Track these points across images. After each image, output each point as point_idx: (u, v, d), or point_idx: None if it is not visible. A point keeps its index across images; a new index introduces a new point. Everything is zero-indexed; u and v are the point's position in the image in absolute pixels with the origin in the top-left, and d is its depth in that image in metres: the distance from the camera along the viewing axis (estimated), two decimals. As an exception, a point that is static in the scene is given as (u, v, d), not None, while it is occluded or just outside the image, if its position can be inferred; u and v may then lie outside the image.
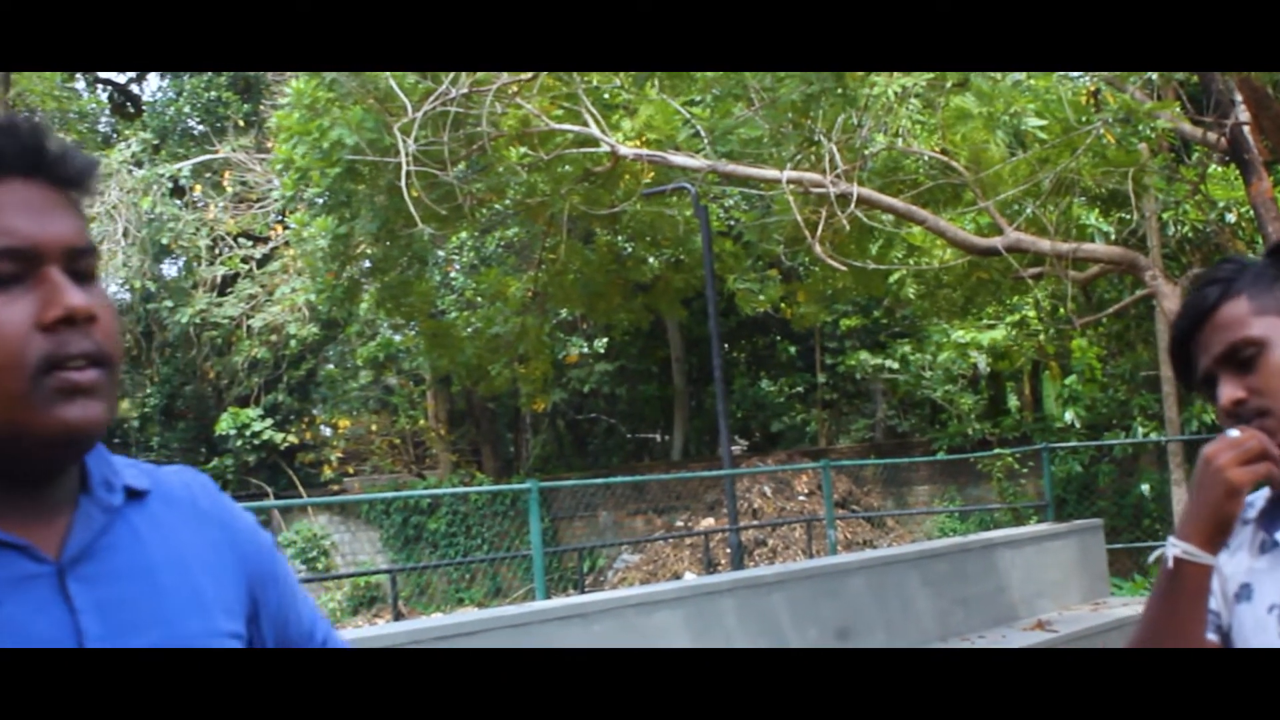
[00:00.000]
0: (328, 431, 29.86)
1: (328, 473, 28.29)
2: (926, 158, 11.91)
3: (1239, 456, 1.83)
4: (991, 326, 18.97)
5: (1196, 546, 1.86)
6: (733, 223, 18.59)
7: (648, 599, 8.35)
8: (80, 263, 1.42)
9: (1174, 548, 1.87)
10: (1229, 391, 1.92)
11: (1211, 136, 10.57)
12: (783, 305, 18.74)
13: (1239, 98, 10.31)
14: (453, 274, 23.70)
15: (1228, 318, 1.94)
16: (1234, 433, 1.87)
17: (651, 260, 18.37)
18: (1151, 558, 1.99)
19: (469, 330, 17.65)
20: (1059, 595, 11.98)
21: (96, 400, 1.40)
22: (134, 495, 1.51)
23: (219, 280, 26.56)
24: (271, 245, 26.25)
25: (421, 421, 28.59)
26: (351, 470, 28.80)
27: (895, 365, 23.56)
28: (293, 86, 12.88)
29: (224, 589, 1.54)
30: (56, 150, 1.42)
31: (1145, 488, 18.63)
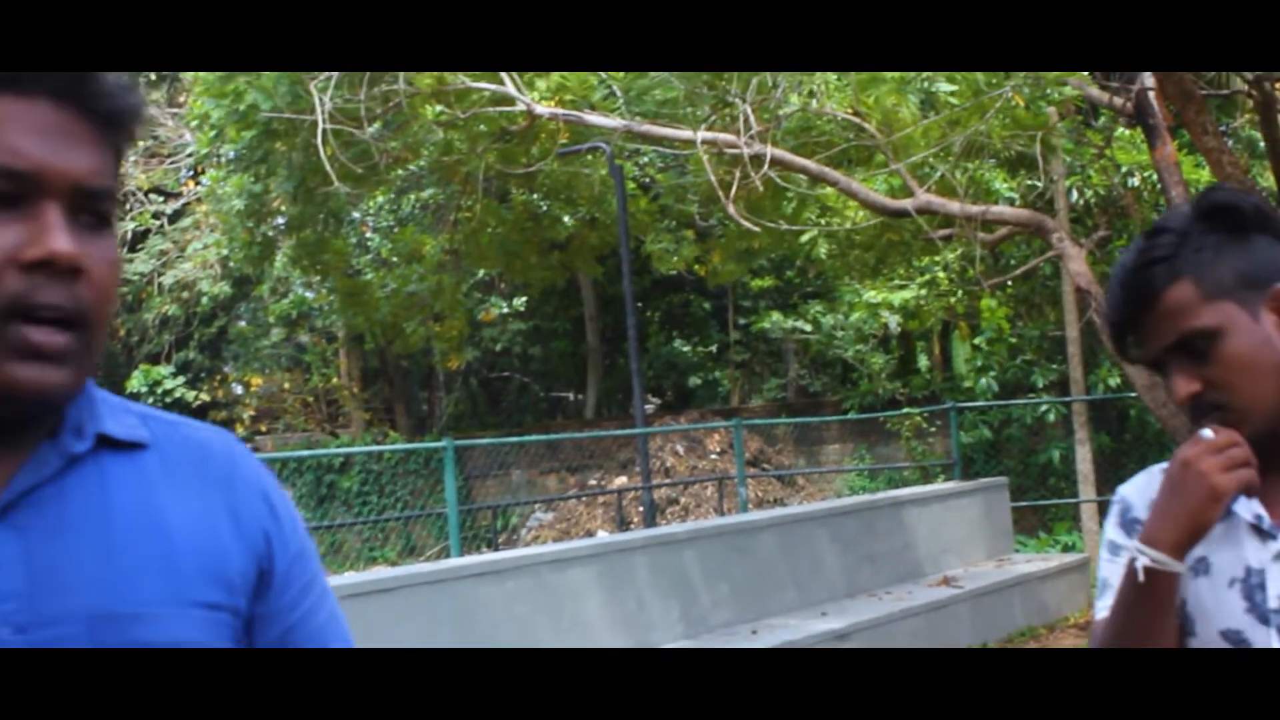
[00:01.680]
0: (240, 389, 29.65)
1: (240, 431, 28.08)
2: (839, 119, 12.02)
3: (1223, 463, 1.78)
4: (902, 287, 19.17)
5: (1168, 554, 1.80)
6: (648, 182, 18.64)
7: (562, 556, 8.45)
8: (88, 205, 1.30)
9: (1144, 557, 1.81)
10: (1184, 385, 1.87)
11: (1118, 101, 10.74)
12: (697, 265, 18.84)
13: (1144, 64, 10.51)
14: (368, 234, 23.59)
15: (1175, 304, 1.87)
16: (1208, 434, 1.81)
17: (567, 219, 18.39)
18: (1112, 526, 1.93)
19: (385, 289, 17.60)
20: (965, 552, 12.20)
21: (59, 366, 1.27)
22: (116, 445, 1.37)
23: (129, 236, 26.23)
24: (183, 201, 25.95)
25: (334, 379, 28.47)
26: (264, 428, 28.64)
27: (807, 325, 23.76)
28: (206, 47, 12.73)
29: (213, 557, 1.39)
30: (100, 79, 1.30)
31: (1055, 453, 18.94)
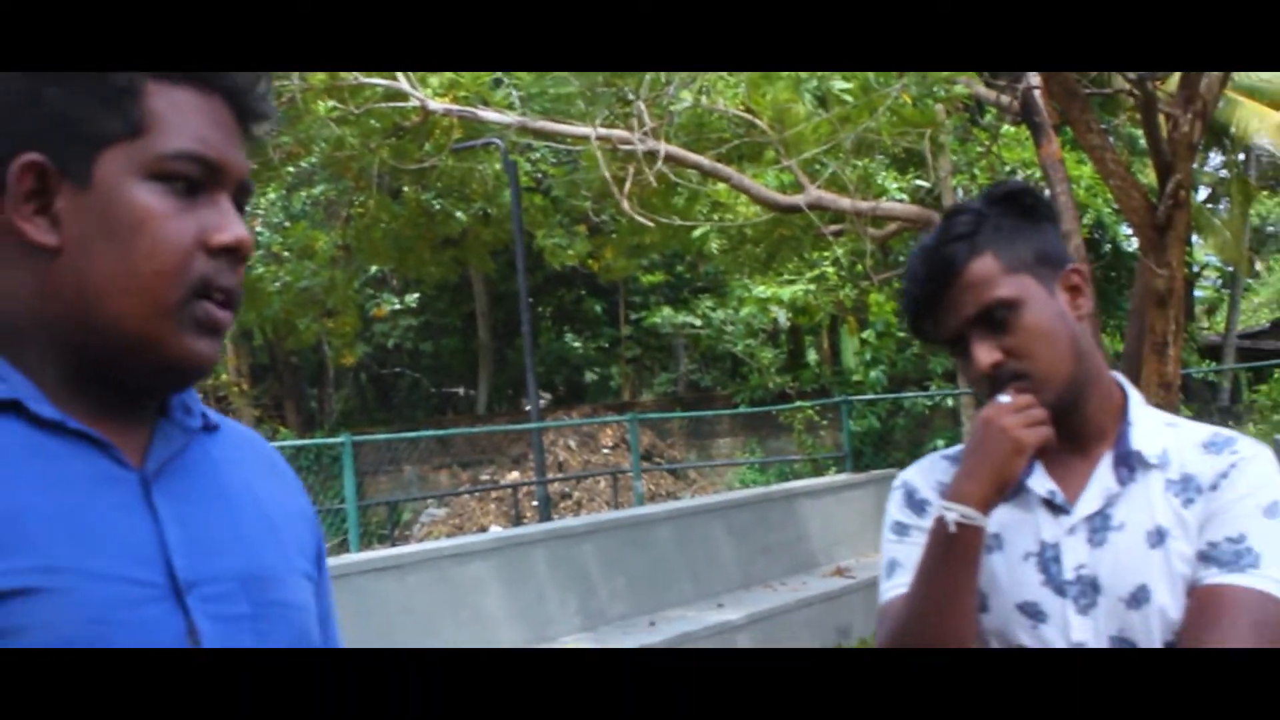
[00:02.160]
0: (126, 386, 29.22)
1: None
2: (731, 116, 12.14)
3: (1023, 420, 1.86)
4: (791, 282, 19.37)
5: (975, 509, 1.85)
6: (540, 178, 18.68)
7: (461, 550, 8.48)
8: (242, 200, 1.38)
9: (951, 512, 1.86)
10: (985, 354, 1.92)
11: (1004, 100, 10.96)
12: (589, 260, 18.93)
13: (1030, 63, 10.73)
14: (259, 229, 23.37)
15: (977, 277, 1.93)
16: (1005, 398, 1.88)
17: (460, 215, 18.38)
18: (898, 507, 1.96)
19: (276, 284, 17.47)
20: (857, 543, 12.38)
21: (219, 341, 1.35)
22: (209, 427, 1.44)
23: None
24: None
25: (223, 376, 28.14)
26: (151, 426, 28.27)
27: (698, 320, 23.91)
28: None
29: (298, 532, 1.48)
30: (259, 82, 1.37)
31: (940, 443, 19.24)
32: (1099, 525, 1.93)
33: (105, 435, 1.29)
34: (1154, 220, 8.10)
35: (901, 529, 2.07)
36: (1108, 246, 21.97)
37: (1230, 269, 29.95)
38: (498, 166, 16.40)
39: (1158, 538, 1.89)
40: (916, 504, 2.08)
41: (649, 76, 11.07)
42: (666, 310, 24.53)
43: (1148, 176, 15.42)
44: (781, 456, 21.20)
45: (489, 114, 12.13)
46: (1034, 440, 1.86)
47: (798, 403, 20.30)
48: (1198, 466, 1.92)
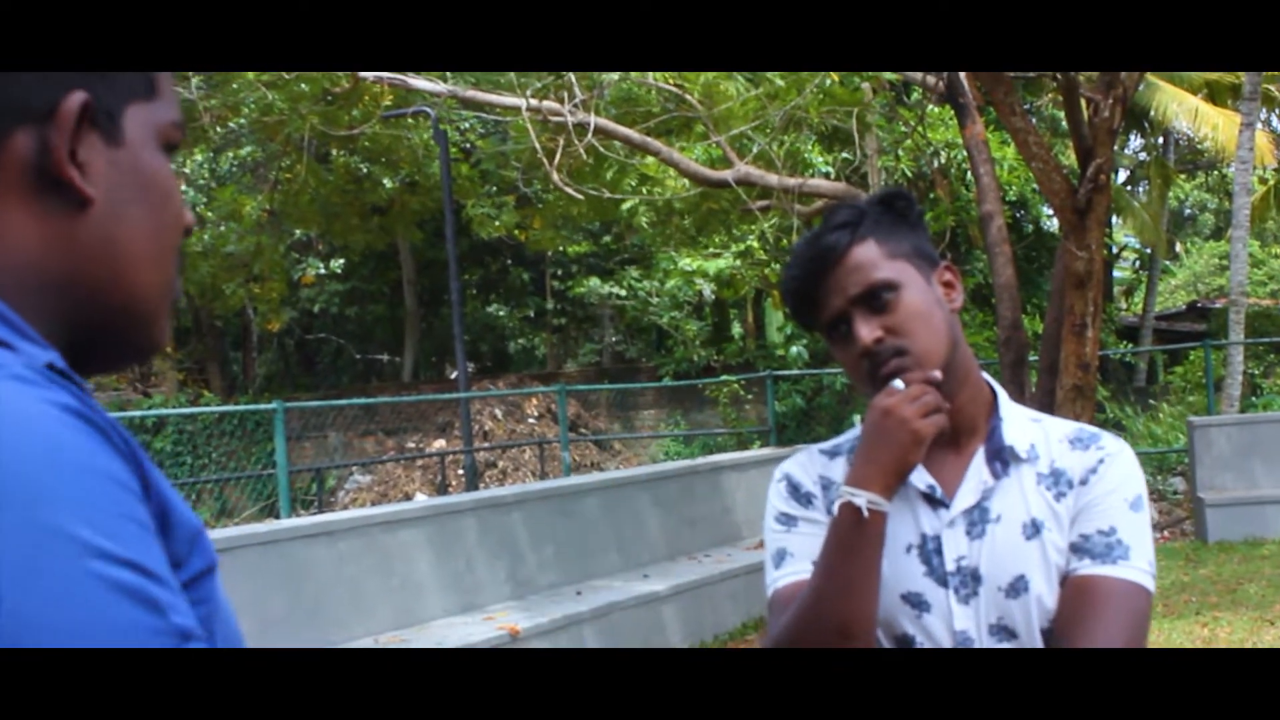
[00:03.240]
0: (46, 348, 28.91)
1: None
2: (661, 90, 12.22)
3: (920, 409, 1.91)
4: (717, 255, 19.49)
5: (880, 495, 1.91)
6: (469, 148, 18.67)
7: (391, 518, 8.54)
8: None
9: (859, 498, 1.90)
10: (868, 331, 1.99)
11: (930, 80, 11.11)
12: (517, 230, 18.98)
13: (956, 46, 10.88)
14: (184, 188, 23.19)
15: (860, 260, 2.01)
16: (899, 384, 1.95)
17: (388, 182, 18.36)
18: (781, 498, 1.99)
19: (201, 248, 17.38)
20: (779, 515, 12.53)
21: None
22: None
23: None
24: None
25: (146, 339, 27.94)
26: (72, 387, 28.02)
27: (623, 292, 23.99)
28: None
29: None
30: None
31: (856, 419, 19.46)
32: (977, 518, 2.02)
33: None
34: (1074, 203, 8.27)
35: (788, 519, 2.13)
36: (1030, 227, 22.26)
37: (1149, 251, 30.38)
38: (427, 135, 16.40)
39: (1033, 530, 1.99)
40: (802, 496, 2.14)
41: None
42: (593, 281, 24.60)
43: (1070, 158, 15.67)
44: (706, 430, 21.35)
45: (420, 82, 12.15)
46: (931, 429, 1.92)
47: (724, 377, 20.45)
48: (1066, 461, 2.03)
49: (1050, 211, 20.40)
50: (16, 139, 1.11)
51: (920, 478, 2.05)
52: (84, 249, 1.14)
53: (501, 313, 27.65)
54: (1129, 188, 28.98)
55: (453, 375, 19.71)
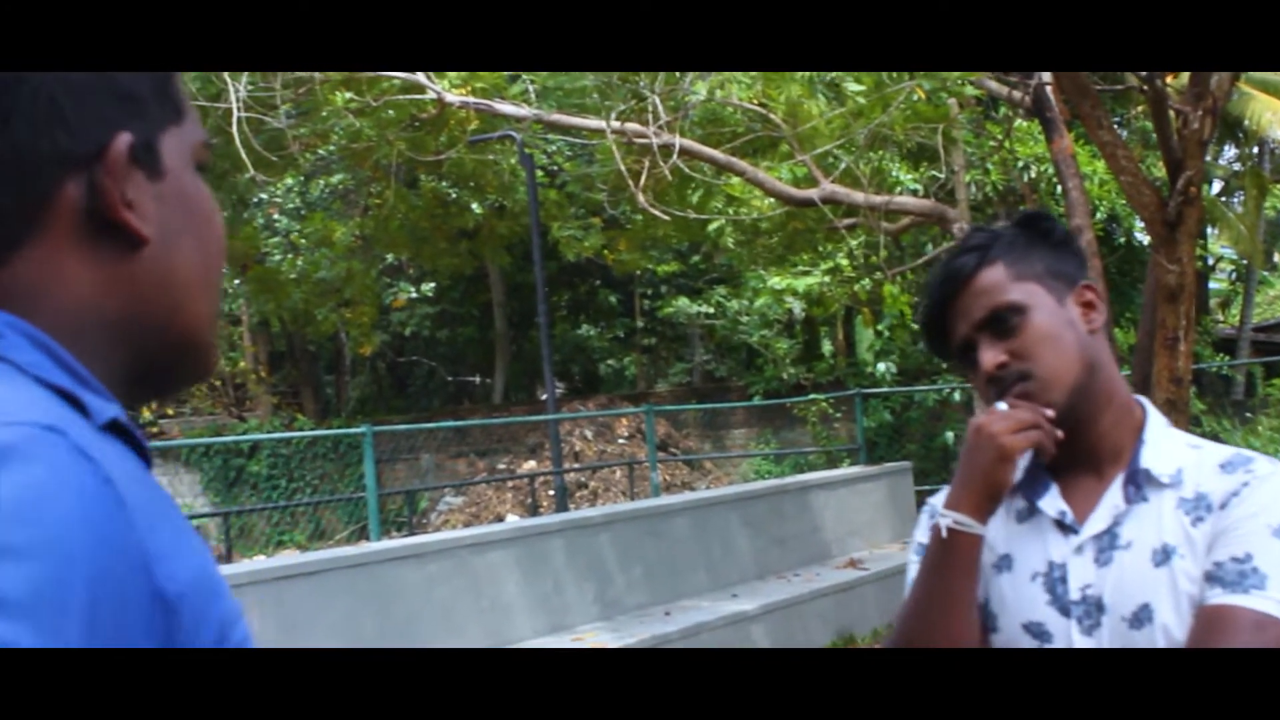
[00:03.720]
0: (143, 373, 29.33)
1: (146, 414, 27.86)
2: (746, 110, 12.21)
3: (1011, 425, 1.87)
4: (806, 273, 19.42)
5: (969, 516, 1.88)
6: (556, 170, 18.77)
7: (480, 540, 8.59)
8: None
9: (945, 518, 1.89)
10: (991, 356, 1.94)
11: (1016, 96, 11.03)
12: (605, 252, 19.03)
13: (1042, 59, 10.81)
14: (276, 217, 23.51)
15: (987, 284, 1.96)
16: (1002, 406, 1.90)
17: (476, 207, 18.50)
18: (921, 529, 2.16)
19: (295, 274, 17.60)
20: (870, 534, 12.48)
21: None
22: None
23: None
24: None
25: (241, 363, 28.31)
26: (170, 412, 28.42)
27: (712, 311, 23.98)
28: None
29: None
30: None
31: (950, 435, 19.36)
32: (1105, 544, 1.93)
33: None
34: (1165, 216, 8.17)
35: (921, 550, 2.08)
36: (1122, 240, 22.00)
37: (1245, 262, 29.90)
38: (514, 160, 16.50)
39: (1163, 556, 1.88)
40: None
41: (663, 72, 11.15)
42: (682, 300, 24.61)
43: (1160, 170, 15.48)
44: (796, 448, 21.28)
45: (505, 107, 12.23)
46: (1020, 444, 1.87)
47: (812, 395, 20.39)
48: (1211, 485, 1.91)
49: (1142, 224, 20.18)
50: (67, 187, 1.10)
51: (1052, 504, 1.99)
52: (143, 288, 1.13)
53: (591, 334, 27.73)
54: (1224, 198, 28.51)
55: (543, 397, 19.80)
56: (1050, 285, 1.99)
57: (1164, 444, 1.98)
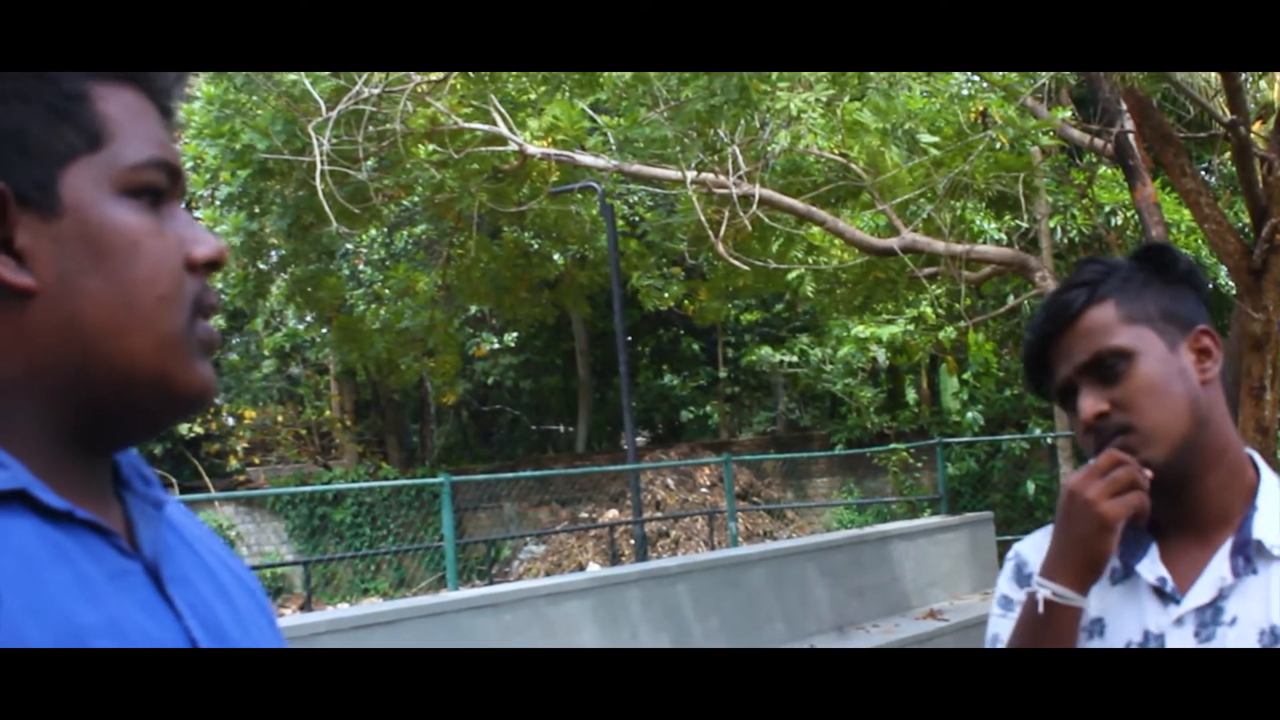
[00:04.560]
0: (232, 421, 29.72)
1: (233, 463, 28.19)
2: (826, 160, 12.22)
3: (1108, 488, 1.74)
4: (890, 321, 19.33)
5: (1067, 587, 1.77)
6: (637, 221, 18.85)
7: (556, 590, 8.61)
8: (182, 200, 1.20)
9: (1044, 589, 1.78)
10: (1091, 404, 1.81)
11: (1099, 143, 10.97)
12: (685, 301, 19.06)
13: (1124, 106, 10.74)
14: (361, 267, 23.78)
15: (1094, 324, 1.84)
16: (1092, 462, 1.78)
17: (557, 257, 18.63)
18: (1006, 580, 2.07)
19: (378, 324, 17.80)
20: (950, 585, 12.36)
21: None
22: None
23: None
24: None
25: (327, 412, 28.59)
26: (257, 460, 28.73)
27: (795, 359, 23.92)
28: (203, 90, 12.95)
29: (263, 598, 1.30)
30: (181, 81, 1.21)
31: (1031, 486, 19.20)
32: (1209, 619, 1.80)
33: (97, 517, 1.10)
34: (1250, 264, 8.10)
35: (1007, 603, 2.01)
36: (1209, 287, 21.73)
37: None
38: (595, 210, 16.60)
39: (1272, 638, 1.75)
40: (1025, 578, 1.99)
41: (743, 121, 11.19)
42: (765, 349, 24.58)
43: (1245, 217, 15.30)
44: (878, 497, 21.16)
45: (586, 158, 12.32)
46: (1120, 512, 1.75)
47: (892, 445, 20.28)
48: None
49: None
50: None
51: (1151, 569, 1.86)
52: (41, 338, 1.07)
53: (675, 382, 27.75)
54: (1316, 245, 28.03)
55: (626, 445, 19.88)
56: (1163, 329, 1.85)
57: (1277, 510, 1.85)
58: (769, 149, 11.65)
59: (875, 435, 22.16)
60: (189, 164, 14.59)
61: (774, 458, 22.04)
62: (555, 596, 8.51)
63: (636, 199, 18.54)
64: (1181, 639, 1.80)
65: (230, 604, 1.20)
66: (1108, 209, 16.95)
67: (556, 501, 23.86)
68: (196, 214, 19.74)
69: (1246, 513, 1.84)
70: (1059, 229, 17.40)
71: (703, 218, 11.18)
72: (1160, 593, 1.85)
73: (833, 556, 11.12)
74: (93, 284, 1.08)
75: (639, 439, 25.17)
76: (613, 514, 22.17)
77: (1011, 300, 14.83)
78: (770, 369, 25.11)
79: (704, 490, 22.58)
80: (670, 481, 22.66)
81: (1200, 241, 18.30)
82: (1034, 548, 2.01)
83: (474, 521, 23.57)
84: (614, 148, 12.70)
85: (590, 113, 12.58)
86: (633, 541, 18.64)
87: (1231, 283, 9.70)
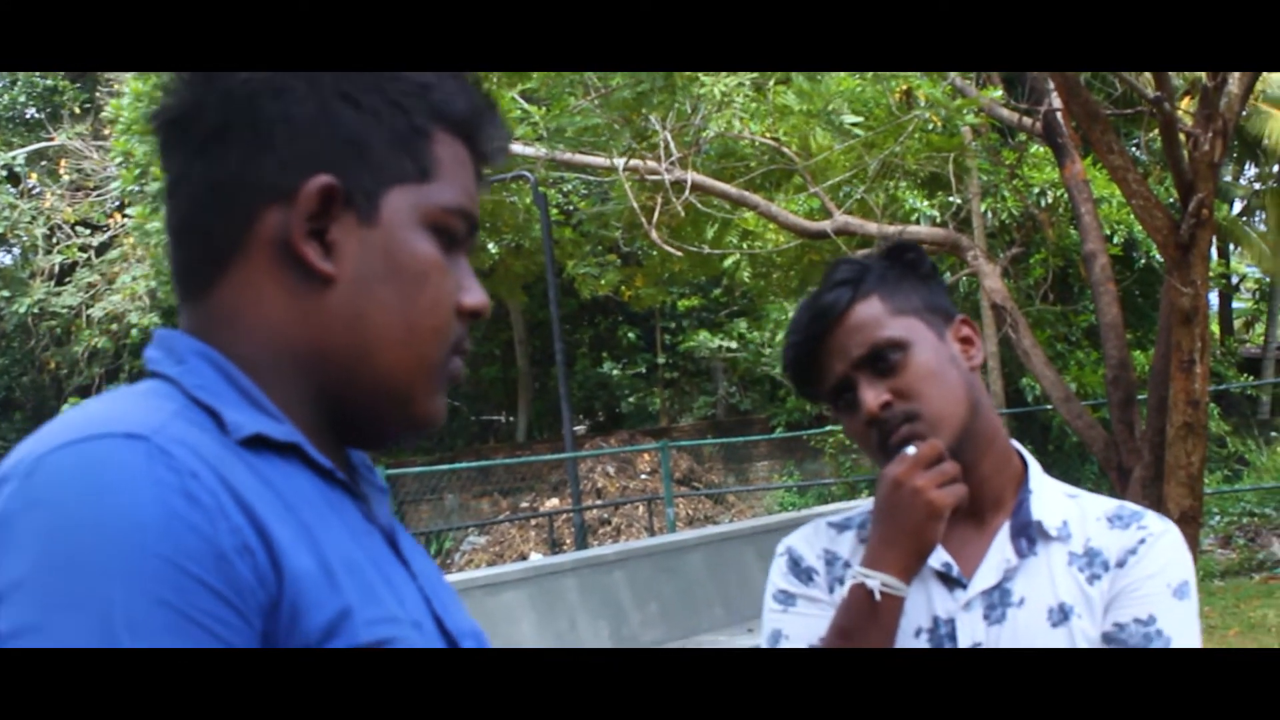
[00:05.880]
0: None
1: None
2: (758, 144, 12.22)
3: (936, 478, 1.76)
4: (825, 304, 19.34)
5: (895, 577, 1.76)
6: (571, 209, 18.82)
7: (494, 580, 8.59)
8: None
9: (872, 580, 1.75)
10: (873, 395, 1.82)
11: (1027, 122, 11.02)
12: (622, 288, 19.04)
13: (1052, 85, 10.79)
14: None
15: (863, 319, 1.85)
16: (911, 450, 1.78)
17: (492, 246, 18.56)
18: (782, 575, 2.00)
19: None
20: (890, 565, 12.42)
21: None
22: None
23: (57, 269, 26.00)
24: (110, 234, 25.76)
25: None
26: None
27: (733, 344, 23.96)
28: (131, 86, 12.81)
29: None
30: (493, 118, 1.30)
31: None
32: (997, 600, 1.84)
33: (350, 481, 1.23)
34: (1177, 239, 8.13)
35: (787, 598, 1.97)
36: (1141, 263, 21.92)
37: (1269, 281, 29.79)
38: (528, 199, 16.55)
39: (1060, 615, 1.81)
40: (802, 572, 1.98)
41: (675, 107, 11.17)
42: (703, 334, 24.60)
43: (1173, 193, 15.42)
44: (818, 480, 21.23)
45: (518, 147, 12.26)
46: (949, 500, 1.76)
47: (829, 427, 20.36)
48: (1103, 541, 1.85)
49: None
50: (267, 217, 1.17)
51: (935, 555, 1.86)
52: (330, 323, 1.18)
53: (614, 370, 27.74)
54: (1244, 218, 28.42)
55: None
56: (929, 320, 1.89)
57: (1047, 493, 1.91)
58: (701, 134, 11.65)
59: (814, 418, 22.22)
60: (118, 160, 14.45)
61: (713, 442, 22.07)
62: (493, 587, 8.49)
63: (570, 187, 18.49)
64: (971, 622, 1.83)
65: (444, 583, 1.32)
66: (1037, 189, 17.06)
67: (498, 492, 23.82)
68: (129, 211, 19.54)
69: (1021, 496, 1.89)
70: (990, 212, 17.50)
71: (635, 205, 11.15)
72: (946, 578, 1.87)
73: (770, 540, 11.09)
74: (384, 293, 1.19)
75: (579, 427, 25.16)
76: (554, 503, 22.16)
77: (949, 278, 14.87)
78: (709, 354, 25.16)
79: (644, 477, 22.60)
80: (610, 469, 22.67)
81: (1129, 217, 18.47)
82: (805, 541, 2.02)
83: (415, 514, 23.47)
84: (545, 136, 12.65)
85: (521, 101, 12.51)
86: (573, 530, 18.63)
87: (1161, 257, 9.79)
